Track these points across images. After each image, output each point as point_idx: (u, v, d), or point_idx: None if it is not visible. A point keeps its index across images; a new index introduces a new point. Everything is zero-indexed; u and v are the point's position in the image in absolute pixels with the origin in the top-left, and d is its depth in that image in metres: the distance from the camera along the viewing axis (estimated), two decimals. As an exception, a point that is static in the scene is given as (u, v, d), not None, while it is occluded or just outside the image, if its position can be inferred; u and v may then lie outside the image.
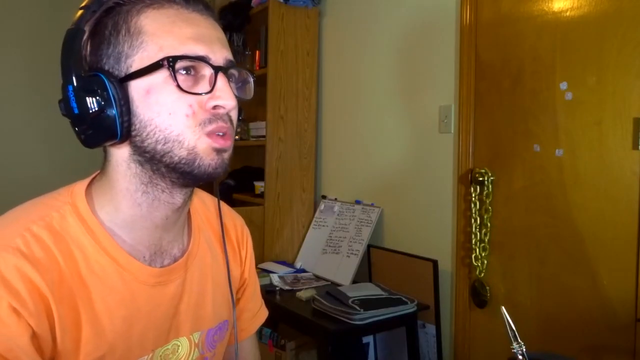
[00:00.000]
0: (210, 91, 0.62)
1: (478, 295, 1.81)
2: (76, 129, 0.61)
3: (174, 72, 0.59)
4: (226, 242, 0.82)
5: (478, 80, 1.82)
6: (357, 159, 2.40)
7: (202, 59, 0.61)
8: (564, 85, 1.57)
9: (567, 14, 1.57)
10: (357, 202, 2.35)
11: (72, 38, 0.60)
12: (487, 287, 1.79)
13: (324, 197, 2.57)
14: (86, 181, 0.68)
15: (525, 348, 0.73)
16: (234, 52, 2.64)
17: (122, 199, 0.65)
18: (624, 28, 1.43)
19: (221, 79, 0.62)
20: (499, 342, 1.75)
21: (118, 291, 0.64)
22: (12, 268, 0.56)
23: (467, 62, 1.84)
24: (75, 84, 0.59)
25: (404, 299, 1.80)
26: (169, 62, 0.59)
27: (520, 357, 0.73)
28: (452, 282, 1.92)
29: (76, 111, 0.59)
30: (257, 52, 2.66)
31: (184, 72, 0.61)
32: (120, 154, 0.64)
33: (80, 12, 0.61)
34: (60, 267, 0.60)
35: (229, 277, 0.79)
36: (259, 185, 2.60)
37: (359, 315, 1.67)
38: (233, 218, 0.88)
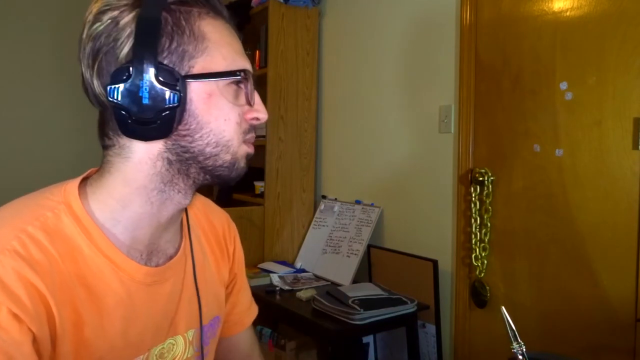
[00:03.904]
0: (251, 104, 0.67)
1: (478, 295, 1.81)
2: (130, 119, 0.59)
3: (247, 84, 0.65)
4: (213, 239, 0.84)
5: (478, 80, 1.82)
6: (357, 159, 2.40)
7: (251, 75, 0.66)
8: (564, 85, 1.57)
9: (567, 14, 1.57)
10: (357, 202, 2.35)
11: (151, 27, 0.58)
12: (487, 287, 1.79)
13: (324, 197, 2.57)
14: (77, 180, 0.66)
15: (525, 348, 0.73)
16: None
17: (136, 196, 0.64)
18: (624, 28, 1.43)
19: (256, 94, 0.67)
20: (499, 342, 1.75)
21: (115, 291, 0.63)
22: (10, 271, 0.54)
23: (467, 62, 1.84)
24: (155, 73, 0.58)
25: (404, 299, 1.80)
26: (246, 75, 0.64)
27: (520, 357, 0.73)
28: (452, 282, 1.92)
29: (146, 101, 0.58)
30: (257, 52, 2.66)
31: (236, 84, 0.65)
32: (149, 151, 0.63)
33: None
34: (60, 267, 0.59)
35: (195, 274, 0.77)
36: (259, 185, 2.59)
37: (359, 315, 1.67)
38: (219, 215, 0.89)
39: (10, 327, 0.52)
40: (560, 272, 1.59)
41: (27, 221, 0.59)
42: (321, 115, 2.64)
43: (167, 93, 0.59)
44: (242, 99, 0.66)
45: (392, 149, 2.20)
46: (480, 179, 1.77)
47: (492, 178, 1.76)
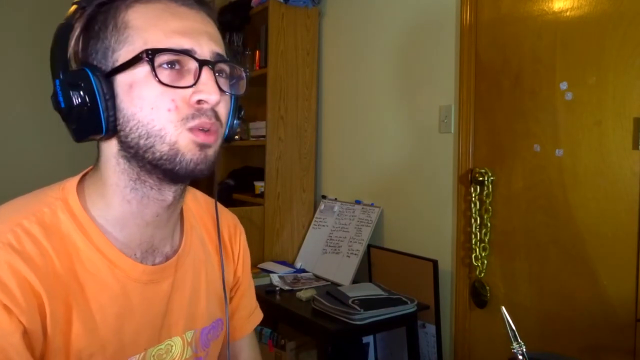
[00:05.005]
0: (194, 85, 0.60)
1: (478, 295, 1.81)
2: (65, 122, 0.62)
3: (153, 66, 0.58)
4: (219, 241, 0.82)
5: (478, 80, 1.82)
6: (357, 159, 2.40)
7: (186, 52, 0.60)
8: (564, 85, 1.57)
9: (567, 14, 1.57)
10: (357, 202, 2.35)
11: (61, 33, 0.61)
12: (487, 287, 1.79)
13: (324, 197, 2.57)
14: (77, 177, 0.68)
15: (525, 348, 0.73)
16: (234, 51, 2.65)
17: (113, 195, 0.64)
18: (624, 28, 1.43)
19: (206, 73, 0.61)
20: (499, 342, 1.75)
21: (110, 288, 0.63)
22: (3, 264, 0.55)
23: (467, 62, 1.84)
24: (61, 78, 0.60)
25: (404, 299, 1.80)
26: (148, 55, 0.58)
27: (520, 357, 0.73)
28: (452, 282, 1.92)
29: (62, 105, 0.60)
30: (257, 52, 2.66)
31: (168, 66, 0.60)
32: (110, 150, 0.64)
33: (73, 7, 0.62)
34: (53, 262, 0.59)
35: (223, 279, 0.79)
36: (259, 185, 2.60)
37: (359, 315, 1.66)
38: (226, 216, 0.87)
39: (0, 318, 0.53)
40: (560, 272, 1.59)
41: (23, 216, 0.60)
42: (321, 115, 2.64)
43: (74, 94, 0.59)
44: (188, 80, 0.61)
45: (392, 148, 2.20)
46: (480, 179, 1.77)
47: (492, 178, 1.76)
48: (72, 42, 0.62)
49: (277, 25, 2.47)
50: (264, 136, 2.51)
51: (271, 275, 2.19)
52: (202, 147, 0.61)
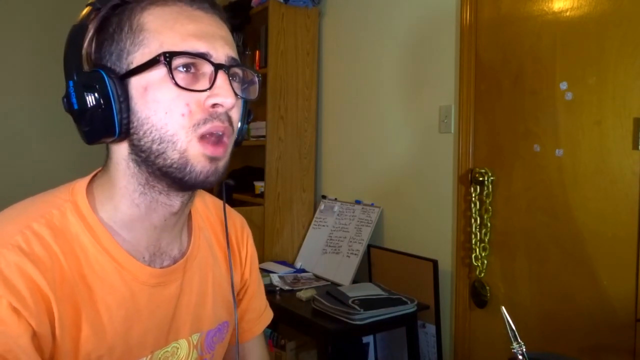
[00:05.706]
0: (209, 88, 0.60)
1: (478, 295, 1.81)
2: (77, 124, 0.61)
3: (170, 69, 0.58)
4: (225, 242, 0.82)
5: (478, 80, 1.82)
6: (357, 159, 2.40)
7: (203, 56, 0.60)
8: (564, 85, 1.57)
9: (567, 14, 1.57)
10: (357, 202, 2.35)
11: (75, 34, 0.61)
12: (487, 287, 1.79)
13: (324, 197, 2.57)
14: (87, 178, 0.68)
15: (525, 348, 0.73)
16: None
17: (122, 198, 0.64)
18: (624, 28, 1.43)
19: (221, 77, 0.61)
20: (499, 342, 1.75)
21: (118, 291, 0.63)
22: (12, 266, 0.55)
23: (467, 62, 1.84)
24: (75, 79, 0.59)
25: (404, 299, 1.80)
26: (166, 58, 0.58)
27: (520, 357, 0.73)
28: (452, 282, 1.92)
29: (76, 106, 0.59)
30: (257, 52, 2.66)
31: (184, 69, 0.60)
32: (120, 152, 0.64)
33: (86, 9, 0.62)
34: (62, 265, 0.59)
35: (232, 283, 0.79)
36: (259, 185, 2.60)
37: (359, 315, 1.66)
38: (233, 218, 0.87)
39: (9, 320, 0.53)
40: (560, 272, 1.59)
41: (33, 218, 0.60)
42: (321, 115, 2.64)
43: (88, 95, 0.59)
44: (204, 84, 0.61)
45: (392, 149, 2.20)
46: (480, 179, 1.77)
47: (492, 178, 1.76)
48: (85, 44, 0.62)
49: (277, 25, 2.47)
50: (264, 136, 2.51)
51: (271, 275, 2.19)
52: (213, 160, 0.61)
